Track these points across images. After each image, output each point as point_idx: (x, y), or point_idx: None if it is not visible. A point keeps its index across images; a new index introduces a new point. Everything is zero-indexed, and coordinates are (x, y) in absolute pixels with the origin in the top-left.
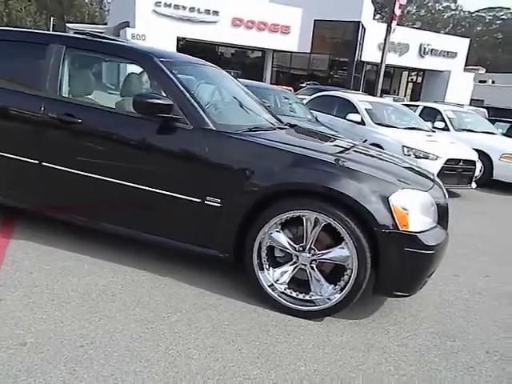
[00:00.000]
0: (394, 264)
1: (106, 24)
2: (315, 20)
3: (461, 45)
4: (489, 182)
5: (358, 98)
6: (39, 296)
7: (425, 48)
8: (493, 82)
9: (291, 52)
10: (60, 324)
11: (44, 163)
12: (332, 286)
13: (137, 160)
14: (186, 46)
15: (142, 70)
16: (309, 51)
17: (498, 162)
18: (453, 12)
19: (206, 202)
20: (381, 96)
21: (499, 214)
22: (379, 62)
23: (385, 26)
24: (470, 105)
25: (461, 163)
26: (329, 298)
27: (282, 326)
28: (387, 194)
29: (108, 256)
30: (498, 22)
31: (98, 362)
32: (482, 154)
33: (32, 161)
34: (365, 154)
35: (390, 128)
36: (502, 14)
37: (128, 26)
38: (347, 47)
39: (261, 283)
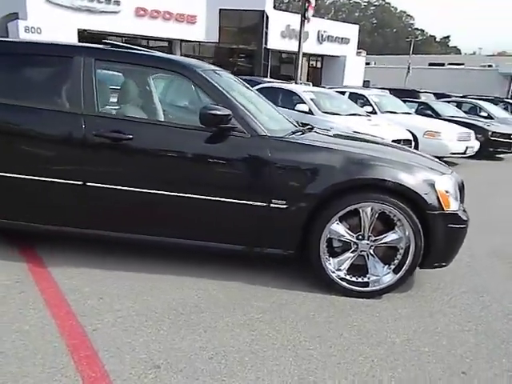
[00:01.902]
0: (441, 240)
1: None
2: (220, 9)
3: (352, 31)
4: None
5: (302, 89)
6: (130, 319)
7: (322, 35)
8: (374, 64)
9: (199, 42)
10: (173, 341)
11: (89, 183)
12: (387, 266)
13: (198, 171)
14: (88, 38)
15: (183, 80)
16: (217, 40)
17: (422, 138)
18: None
19: (271, 204)
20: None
21: None
22: (283, 49)
23: (285, 14)
24: (364, 86)
25: (401, 143)
26: (384, 278)
27: (357, 308)
28: (432, 181)
29: (162, 270)
30: (372, 8)
31: (236, 369)
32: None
33: (75, 182)
34: (395, 147)
35: (336, 115)
36: (374, 0)
37: (18, 18)
38: (254, 36)
39: (327, 272)
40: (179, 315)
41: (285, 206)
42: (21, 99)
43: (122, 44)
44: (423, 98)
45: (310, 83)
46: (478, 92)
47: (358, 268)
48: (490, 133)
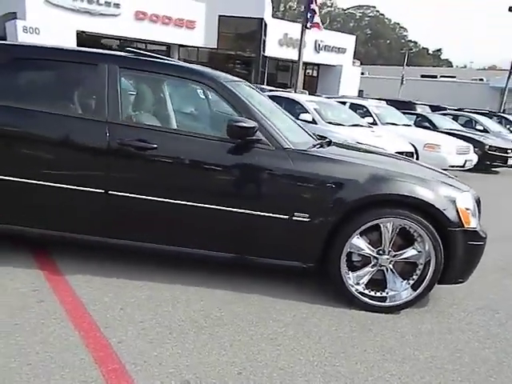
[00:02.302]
0: (460, 256)
1: None
2: (220, 15)
3: (349, 41)
4: None
5: (305, 99)
6: (154, 331)
7: (319, 44)
8: (368, 74)
9: (197, 47)
10: (200, 355)
11: (111, 192)
12: (405, 281)
13: (221, 183)
14: (87, 40)
15: (206, 91)
16: (215, 46)
17: (422, 151)
18: (329, 9)
19: (293, 217)
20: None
21: None
22: (280, 57)
23: (283, 23)
24: (359, 96)
25: (404, 155)
26: (403, 294)
27: (377, 323)
28: (454, 198)
29: (180, 280)
30: (366, 18)
31: None
32: None
33: (97, 190)
34: (415, 164)
35: (339, 126)
36: (369, 11)
37: (16, 18)
38: (252, 43)
39: (347, 286)
40: (203, 328)
41: (307, 220)
42: (44, 105)
43: (144, 52)
44: (419, 110)
45: (306, 91)
46: (470, 105)
47: (377, 283)
48: (487, 146)
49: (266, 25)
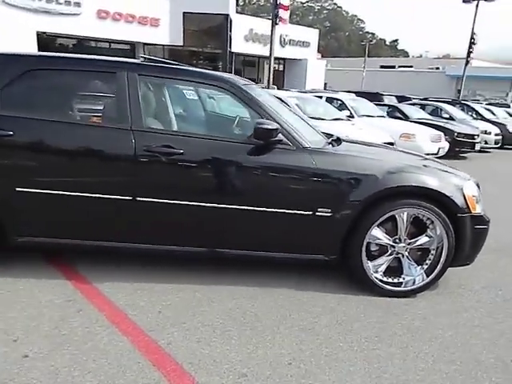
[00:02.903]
0: (468, 240)
1: None
2: (184, 12)
3: (312, 35)
4: None
5: (286, 95)
6: (198, 331)
7: (284, 38)
8: (330, 66)
9: (163, 45)
10: (248, 350)
11: (139, 198)
12: (419, 267)
13: (247, 184)
14: (48, 41)
15: (223, 94)
16: (181, 44)
17: (398, 141)
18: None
19: (317, 213)
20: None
21: None
22: (247, 52)
23: (248, 18)
24: (325, 89)
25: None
26: (418, 278)
27: (399, 308)
28: (461, 186)
29: (207, 281)
30: (324, 11)
31: (317, 372)
32: None
33: (125, 197)
34: (418, 155)
35: (321, 120)
36: (327, 4)
37: None
38: (218, 39)
39: (368, 275)
40: (243, 324)
41: (329, 214)
42: (66, 116)
43: (157, 58)
44: (386, 101)
45: (275, 86)
46: (427, 93)
47: (393, 269)
48: (456, 134)
49: (231, 21)
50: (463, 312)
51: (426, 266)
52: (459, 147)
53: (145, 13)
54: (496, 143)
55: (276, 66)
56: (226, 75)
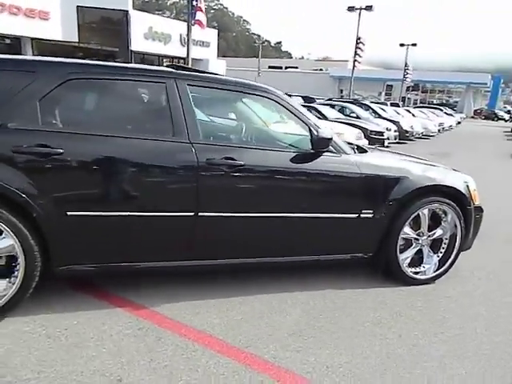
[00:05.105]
0: (471, 228)
1: None
2: (78, 6)
3: (212, 35)
4: None
5: None
6: (291, 340)
7: (185, 38)
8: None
9: (55, 41)
10: (347, 352)
11: (201, 213)
12: (436, 255)
13: (304, 192)
14: None
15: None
16: (76, 40)
17: None
18: (174, 0)
19: (361, 215)
20: None
21: None
22: (147, 51)
23: (148, 16)
24: None
25: None
26: (435, 266)
27: (430, 294)
28: (467, 182)
29: (262, 290)
30: (212, 11)
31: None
32: None
33: (186, 214)
34: (418, 157)
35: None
36: (213, 4)
37: None
38: (117, 36)
39: (401, 268)
40: (320, 327)
41: (371, 215)
42: (117, 130)
43: (186, 66)
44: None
45: None
46: (313, 93)
47: (414, 260)
48: (369, 131)
49: (130, 17)
50: (485, 293)
51: (441, 255)
52: (372, 144)
53: (32, 5)
54: (395, 138)
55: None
56: (269, 86)
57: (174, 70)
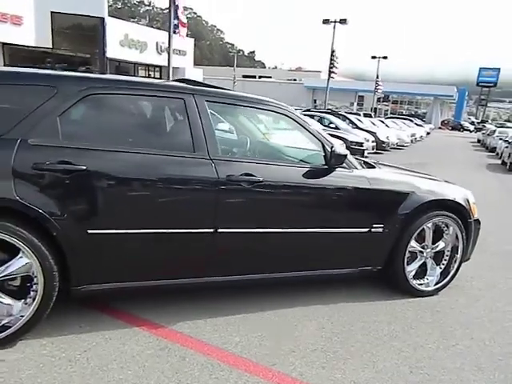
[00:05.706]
0: (471, 240)
1: None
2: (52, 12)
3: (188, 44)
4: None
5: None
6: (314, 356)
7: (161, 46)
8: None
9: (28, 46)
10: (374, 362)
11: (220, 230)
12: (438, 267)
13: (319, 207)
14: None
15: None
16: (50, 46)
17: None
18: (147, 7)
19: (372, 229)
20: None
21: None
22: (122, 58)
23: (124, 23)
24: None
25: None
26: (438, 278)
27: (438, 306)
28: (467, 196)
29: (271, 305)
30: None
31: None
32: None
33: (205, 230)
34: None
35: None
36: (187, 12)
37: None
38: (93, 43)
39: (408, 280)
40: (340, 342)
41: (381, 230)
42: (137, 146)
43: (199, 81)
44: None
45: None
46: (288, 102)
47: (418, 272)
48: (349, 142)
49: (106, 24)
50: (487, 302)
51: (443, 266)
52: (353, 154)
53: (4, 9)
54: (373, 149)
55: (152, 73)
56: (282, 103)
57: (193, 87)
